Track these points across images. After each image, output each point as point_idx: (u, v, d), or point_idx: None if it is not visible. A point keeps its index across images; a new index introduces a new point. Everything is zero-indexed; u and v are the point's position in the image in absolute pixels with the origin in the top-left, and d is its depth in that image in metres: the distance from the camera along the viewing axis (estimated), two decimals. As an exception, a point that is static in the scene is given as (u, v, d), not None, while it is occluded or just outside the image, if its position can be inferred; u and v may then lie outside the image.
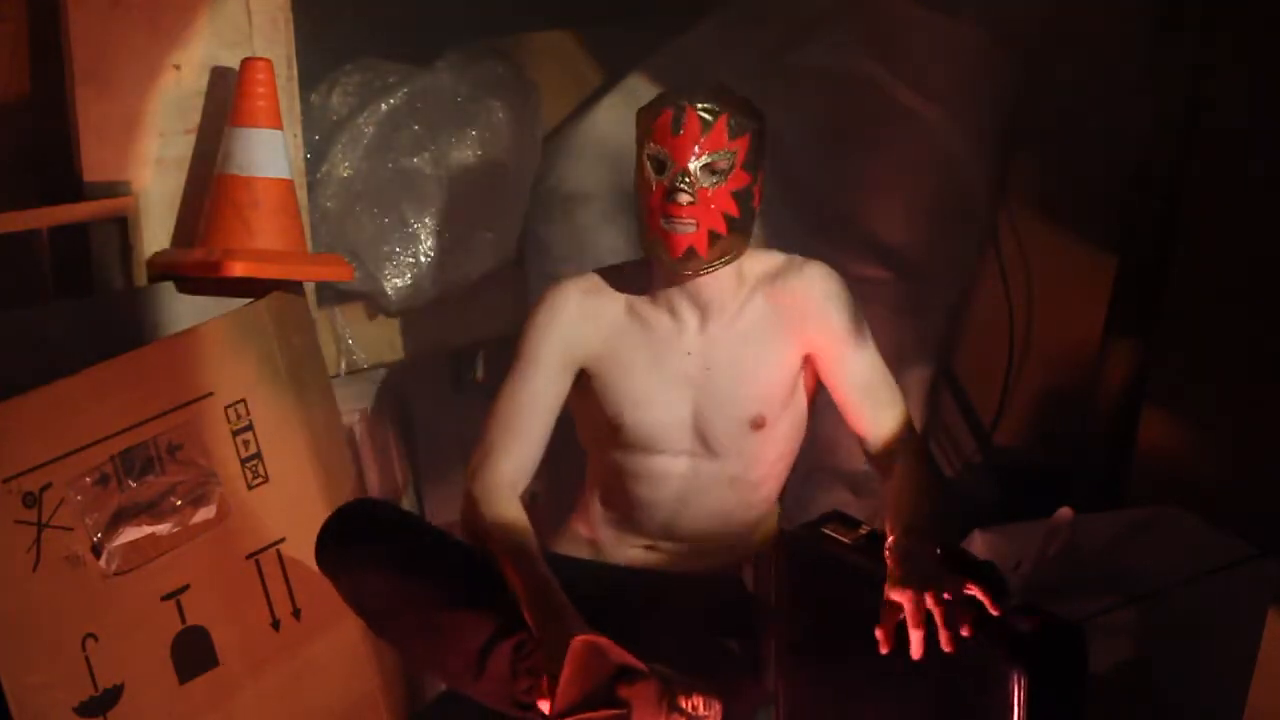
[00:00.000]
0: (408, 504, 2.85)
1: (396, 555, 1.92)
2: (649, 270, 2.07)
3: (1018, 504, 2.78)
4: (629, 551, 2.15)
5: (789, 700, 2.01)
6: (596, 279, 2.11)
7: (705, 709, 1.74)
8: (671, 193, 1.95)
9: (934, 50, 3.10)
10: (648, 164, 1.98)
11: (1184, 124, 2.75)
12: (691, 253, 1.96)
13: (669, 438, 2.07)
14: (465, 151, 2.81)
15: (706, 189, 1.95)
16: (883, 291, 3.06)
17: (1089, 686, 1.77)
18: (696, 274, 2.00)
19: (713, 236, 1.96)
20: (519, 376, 2.04)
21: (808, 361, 2.10)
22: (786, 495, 2.38)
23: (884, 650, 1.72)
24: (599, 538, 2.16)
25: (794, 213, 3.03)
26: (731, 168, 1.96)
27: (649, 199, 1.98)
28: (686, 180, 1.94)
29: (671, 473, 2.08)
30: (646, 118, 2.00)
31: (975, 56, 3.12)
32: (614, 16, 3.29)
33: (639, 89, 3.11)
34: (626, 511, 2.13)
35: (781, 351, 2.07)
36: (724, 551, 2.16)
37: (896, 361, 3.07)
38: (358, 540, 1.96)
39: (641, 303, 2.08)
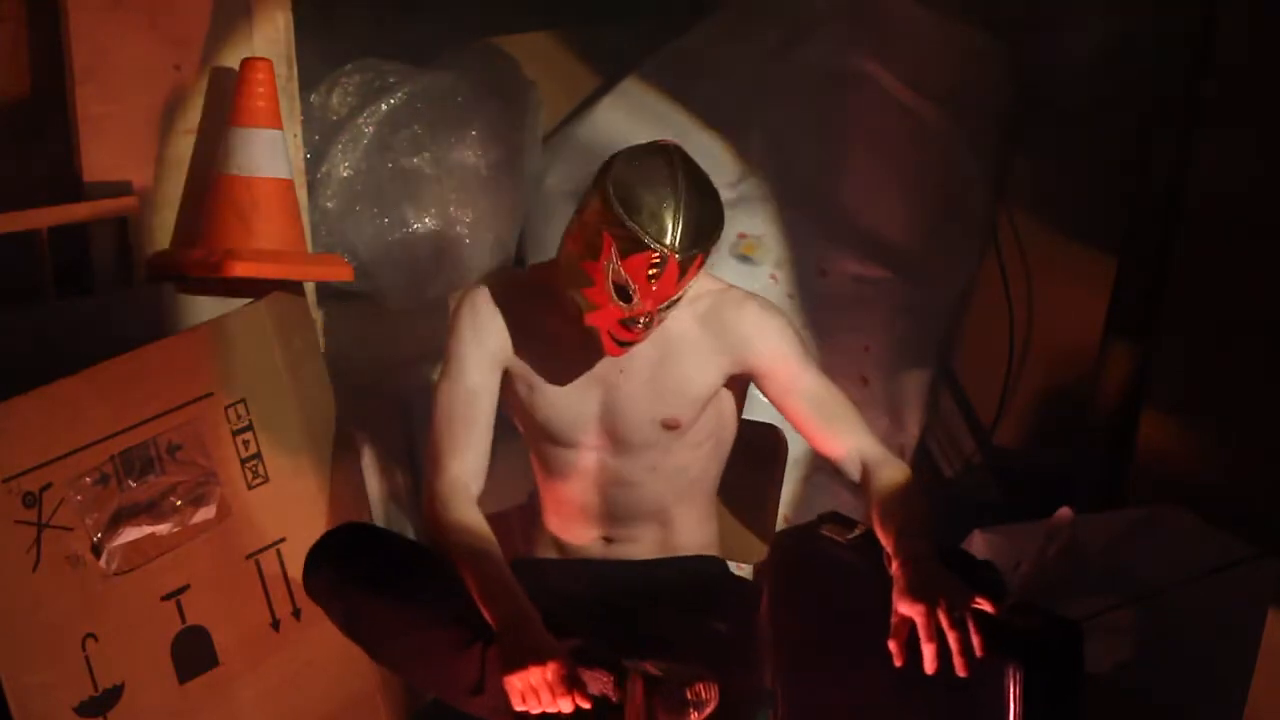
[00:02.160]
0: (407, 504, 2.85)
1: (388, 578, 1.90)
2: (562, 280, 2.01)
3: (1018, 504, 2.78)
4: (591, 546, 2.14)
5: (787, 699, 2.01)
6: (512, 278, 2.10)
7: (706, 694, 1.74)
8: (629, 323, 1.91)
9: (934, 50, 3.11)
10: (609, 279, 1.89)
11: (1184, 124, 2.76)
12: (626, 353, 1.97)
13: (578, 433, 2.06)
14: (465, 151, 2.81)
15: (663, 316, 1.94)
16: (883, 291, 3.07)
17: (1087, 685, 1.77)
18: None
19: (646, 336, 1.96)
20: (449, 381, 2.03)
21: (736, 382, 2.10)
22: (786, 496, 2.38)
23: (898, 664, 1.72)
24: (559, 537, 2.16)
25: (795, 212, 3.04)
26: (689, 287, 1.94)
27: (602, 306, 1.91)
28: (649, 319, 1.92)
29: (587, 466, 2.08)
30: (621, 239, 1.87)
31: (975, 56, 3.13)
32: (614, 16, 3.30)
33: (638, 89, 3.11)
34: (563, 503, 2.13)
35: (701, 364, 2.05)
36: (683, 530, 2.15)
37: (897, 361, 3.10)
38: (347, 565, 1.93)
39: (556, 307, 2.02)
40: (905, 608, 1.72)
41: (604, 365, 2.04)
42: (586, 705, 1.71)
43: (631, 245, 1.86)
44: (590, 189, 1.94)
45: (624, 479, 2.08)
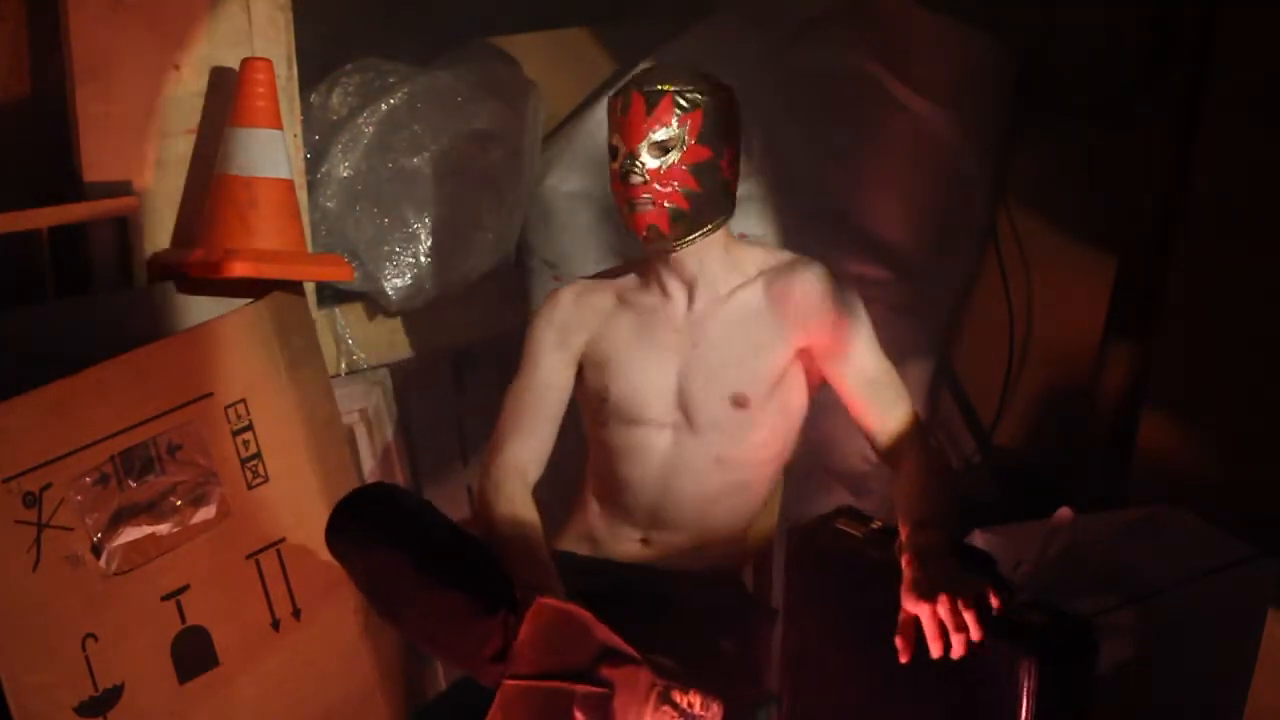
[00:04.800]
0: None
1: (413, 538, 1.90)
2: (643, 259, 2.17)
3: (1018, 504, 2.78)
4: (625, 546, 2.15)
5: (795, 695, 2.01)
6: (593, 279, 2.24)
7: (703, 709, 1.72)
8: (624, 175, 2.02)
9: (934, 50, 3.10)
10: (610, 153, 2.06)
11: (1184, 123, 2.76)
12: (655, 230, 2.03)
13: (652, 408, 2.11)
14: (465, 151, 2.81)
15: (657, 168, 2.01)
16: (883, 291, 3.06)
17: (1096, 682, 1.77)
18: (671, 249, 2.07)
19: (674, 214, 2.03)
20: (522, 373, 2.15)
21: (804, 357, 2.10)
22: (787, 496, 2.39)
23: (904, 660, 1.74)
24: (595, 532, 2.17)
25: (795, 212, 3.03)
26: (683, 144, 2.01)
27: (613, 184, 2.07)
28: (635, 162, 2.00)
29: (655, 446, 2.11)
30: (608, 109, 2.08)
31: (975, 56, 3.12)
32: (614, 16, 3.30)
33: (639, 89, 3.11)
34: (616, 495, 2.15)
35: (771, 339, 2.09)
36: (718, 545, 2.16)
37: (897, 361, 3.09)
38: (372, 524, 1.93)
39: (634, 287, 2.18)
40: (910, 605, 1.74)
41: (677, 339, 2.11)
42: None
43: (610, 104, 2.07)
44: None
45: (688, 466, 2.10)
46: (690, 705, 1.71)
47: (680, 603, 2.07)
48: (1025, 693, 1.68)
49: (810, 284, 2.10)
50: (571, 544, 2.20)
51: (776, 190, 3.06)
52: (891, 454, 2.07)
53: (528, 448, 2.11)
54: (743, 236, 3.01)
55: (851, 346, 2.09)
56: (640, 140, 2.01)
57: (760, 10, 3.18)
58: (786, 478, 2.36)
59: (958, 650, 1.69)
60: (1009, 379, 3.20)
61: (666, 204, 2.01)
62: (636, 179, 2.01)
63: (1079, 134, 3.01)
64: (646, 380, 2.11)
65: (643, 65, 2.16)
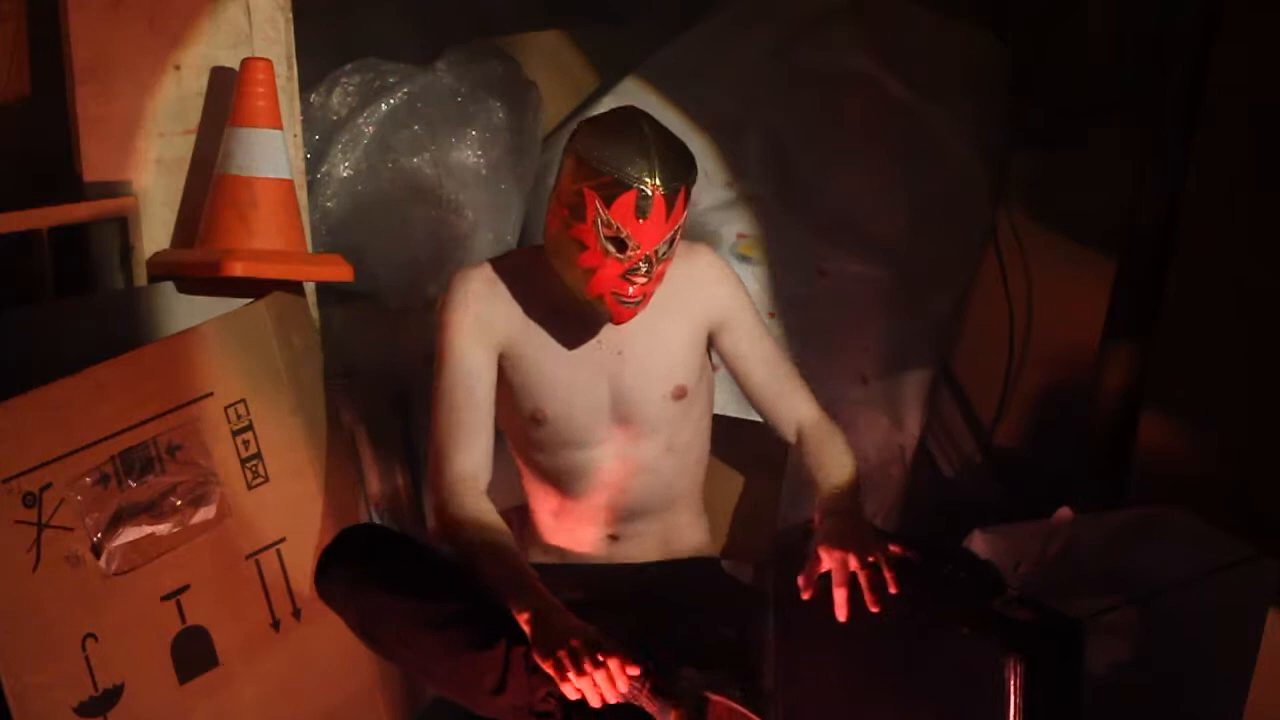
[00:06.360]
0: (407, 504, 2.85)
1: (402, 578, 1.88)
2: (549, 267, 2.01)
3: (1018, 504, 2.78)
4: (594, 547, 2.12)
5: (788, 696, 2.01)
6: (503, 263, 2.07)
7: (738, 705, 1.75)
8: (631, 273, 1.91)
9: (934, 50, 3.11)
10: (601, 236, 1.89)
11: (1184, 123, 2.75)
12: (631, 319, 1.97)
13: (593, 429, 2.05)
14: (465, 151, 2.82)
15: (662, 263, 1.94)
16: (883, 291, 3.07)
17: (1086, 680, 1.78)
18: None
19: (649, 296, 1.96)
20: (447, 374, 2.00)
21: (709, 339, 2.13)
22: (786, 495, 2.39)
23: (805, 596, 1.79)
24: (560, 543, 2.15)
25: (795, 213, 3.04)
26: (679, 233, 1.94)
27: (600, 268, 1.91)
28: (649, 263, 1.91)
29: (603, 460, 2.07)
30: (602, 188, 1.88)
31: (975, 56, 3.13)
32: (614, 15, 3.30)
33: (638, 89, 3.12)
34: (571, 507, 2.11)
35: (686, 324, 2.07)
36: (686, 520, 2.15)
37: (896, 361, 3.10)
38: (360, 567, 1.92)
39: (545, 295, 2.03)
40: (824, 554, 1.79)
41: (603, 353, 2.04)
42: (635, 670, 1.71)
43: (614, 190, 1.88)
44: (561, 164, 1.96)
45: (642, 466, 2.08)
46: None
47: (670, 597, 2.06)
48: (1013, 690, 1.69)
49: (693, 266, 2.07)
50: (538, 556, 2.14)
51: (776, 190, 3.06)
52: (793, 437, 2.10)
53: (473, 453, 1.96)
54: (741, 236, 3.02)
55: (748, 331, 2.09)
56: (660, 241, 1.90)
57: (760, 10, 3.19)
58: (786, 478, 2.36)
59: (868, 592, 1.74)
60: (1009, 379, 3.20)
61: (652, 293, 1.95)
62: (644, 279, 1.91)
63: (1079, 134, 3.01)
64: (582, 400, 2.03)
65: (639, 151, 1.88)
